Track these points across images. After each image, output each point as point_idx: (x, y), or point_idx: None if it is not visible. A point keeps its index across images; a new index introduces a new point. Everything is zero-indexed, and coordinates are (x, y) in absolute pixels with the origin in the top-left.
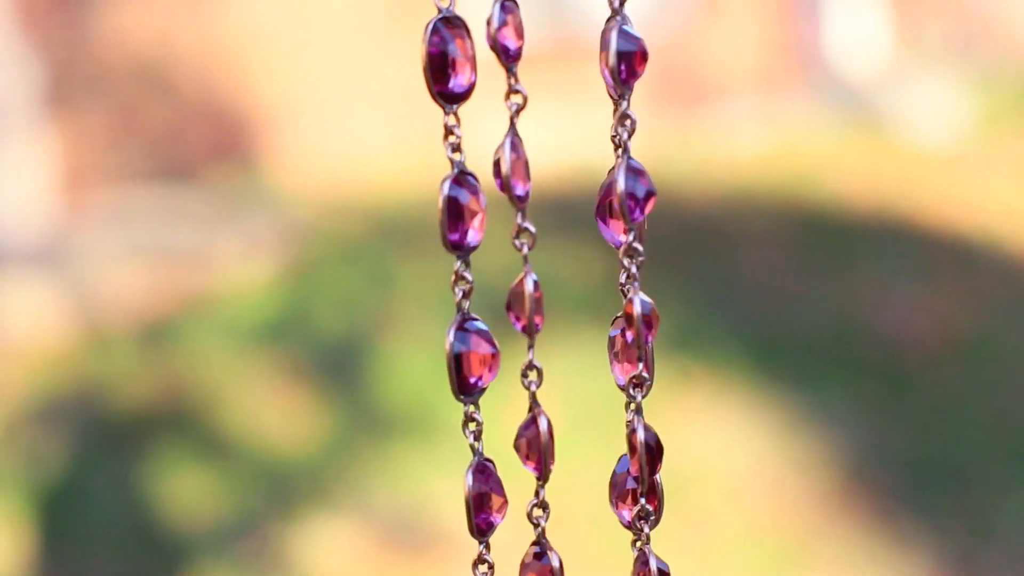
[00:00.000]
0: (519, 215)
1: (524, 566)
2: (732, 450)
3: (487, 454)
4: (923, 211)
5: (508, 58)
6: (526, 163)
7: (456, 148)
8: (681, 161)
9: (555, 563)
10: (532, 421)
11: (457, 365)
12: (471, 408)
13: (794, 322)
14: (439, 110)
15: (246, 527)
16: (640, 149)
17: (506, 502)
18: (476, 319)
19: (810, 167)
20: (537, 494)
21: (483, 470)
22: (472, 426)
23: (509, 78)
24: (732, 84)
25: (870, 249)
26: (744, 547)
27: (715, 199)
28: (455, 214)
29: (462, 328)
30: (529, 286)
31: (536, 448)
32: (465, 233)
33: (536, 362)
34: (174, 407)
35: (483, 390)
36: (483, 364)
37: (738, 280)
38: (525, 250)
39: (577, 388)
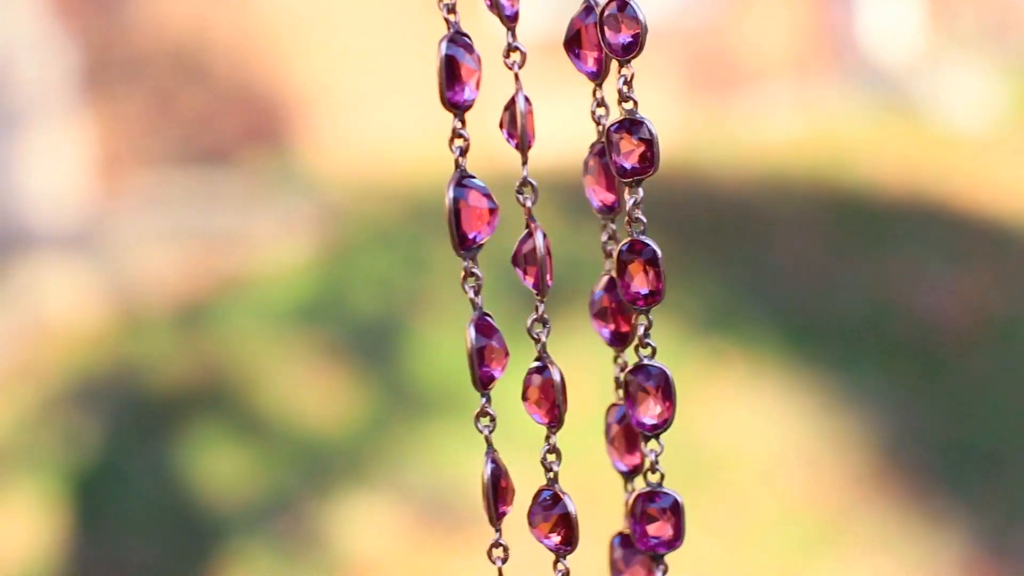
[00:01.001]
0: (523, 168)
1: (533, 509)
2: (766, 431)
3: (499, 446)
4: (956, 195)
5: (507, 20)
6: (531, 118)
7: (463, 152)
8: (715, 146)
9: (571, 509)
10: (540, 369)
11: (480, 359)
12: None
13: (828, 305)
14: None
15: (282, 506)
16: (674, 134)
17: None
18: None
19: (844, 152)
20: (548, 439)
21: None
22: (485, 420)
23: (508, 36)
24: (766, 70)
25: (904, 233)
26: (778, 527)
27: (749, 183)
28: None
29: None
30: (539, 241)
31: (548, 396)
32: (474, 234)
33: (545, 315)
34: (210, 388)
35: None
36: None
37: (773, 263)
38: (528, 203)
39: (596, 369)
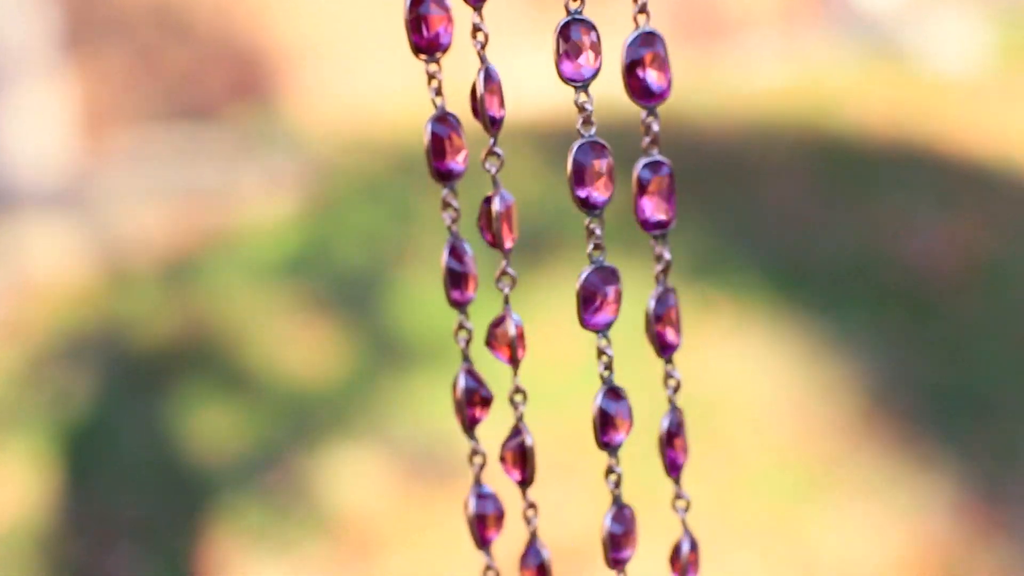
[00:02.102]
0: (492, 140)
1: (502, 448)
2: (755, 377)
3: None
4: (944, 140)
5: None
6: (500, 91)
7: (438, 92)
8: (702, 95)
9: (528, 442)
10: (503, 319)
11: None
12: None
13: (816, 250)
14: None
15: (270, 460)
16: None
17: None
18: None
19: (831, 99)
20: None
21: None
22: (463, 334)
23: (474, 17)
24: (753, 18)
25: (891, 178)
26: (768, 473)
27: (736, 131)
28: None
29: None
30: (496, 205)
31: (504, 340)
32: (449, 164)
33: (510, 270)
34: (197, 344)
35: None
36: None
37: (760, 210)
38: (493, 171)
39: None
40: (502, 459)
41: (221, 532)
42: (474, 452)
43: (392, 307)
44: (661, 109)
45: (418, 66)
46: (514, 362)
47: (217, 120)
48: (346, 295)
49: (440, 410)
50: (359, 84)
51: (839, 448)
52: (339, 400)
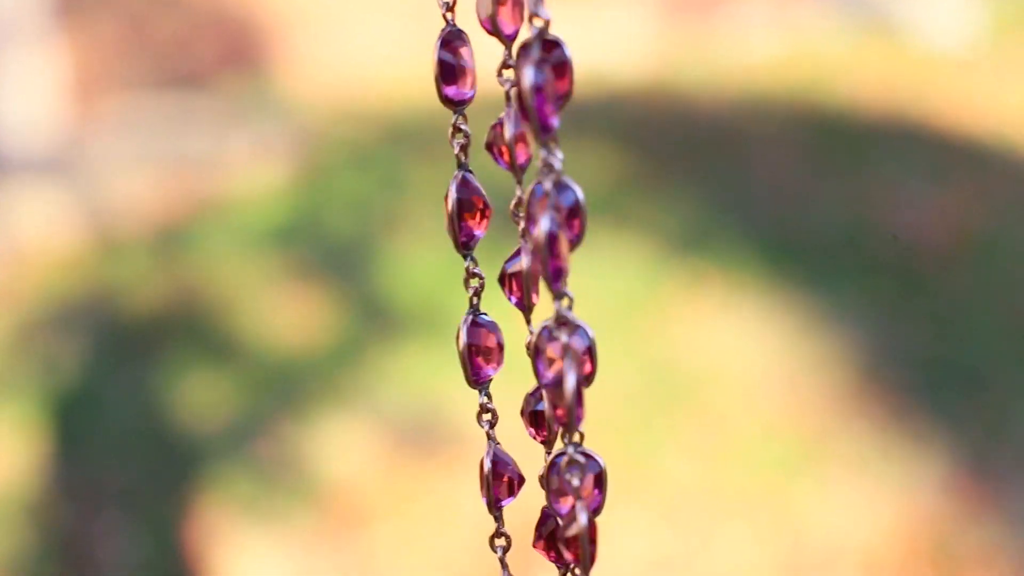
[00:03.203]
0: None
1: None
2: (746, 351)
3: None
4: (935, 114)
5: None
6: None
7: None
8: (694, 67)
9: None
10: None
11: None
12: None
13: (807, 224)
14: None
15: (260, 429)
16: (652, 55)
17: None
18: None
19: (823, 72)
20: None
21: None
22: (474, 282)
23: None
24: None
25: (883, 152)
26: (758, 447)
27: (728, 104)
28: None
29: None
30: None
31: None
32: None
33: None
34: (186, 312)
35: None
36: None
37: (751, 183)
38: (507, 87)
39: (591, 288)
40: (522, 413)
41: (209, 500)
42: (484, 409)
43: (382, 275)
44: (652, 81)
45: (409, 36)
46: (526, 308)
47: (207, 88)
48: (336, 263)
49: (430, 379)
50: (350, 52)
51: (829, 421)
52: (328, 369)
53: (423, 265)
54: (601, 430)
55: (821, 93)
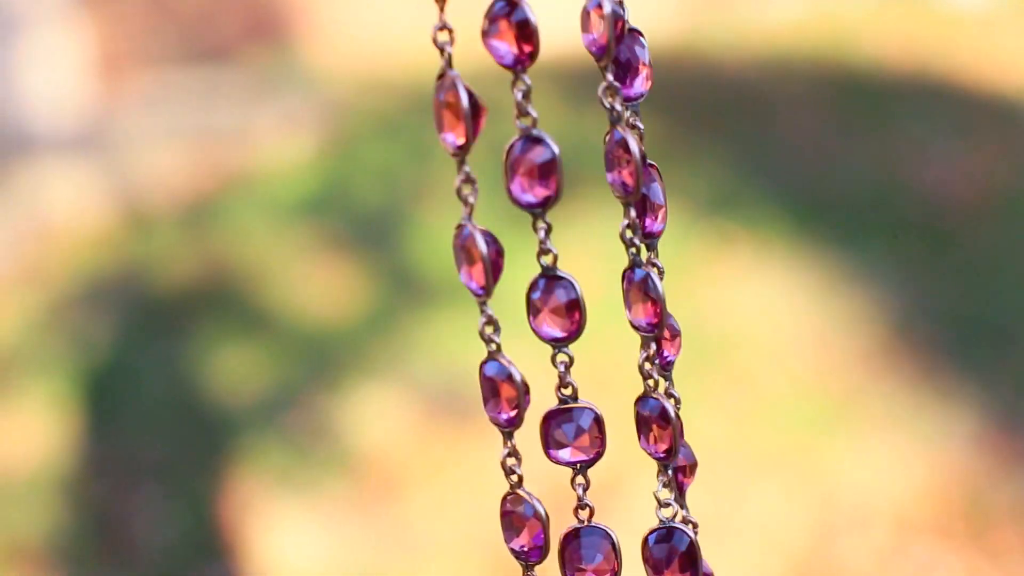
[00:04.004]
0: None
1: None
2: (774, 311)
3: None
4: (960, 71)
5: None
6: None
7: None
8: (718, 29)
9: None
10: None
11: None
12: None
13: (834, 183)
14: None
15: (291, 401)
16: (676, 18)
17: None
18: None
19: (847, 31)
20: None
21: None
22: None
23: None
24: None
25: (908, 110)
26: (789, 406)
27: (753, 65)
28: None
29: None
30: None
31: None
32: None
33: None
34: (217, 285)
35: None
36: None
37: (778, 144)
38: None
39: (620, 251)
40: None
41: (243, 472)
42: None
43: (411, 245)
44: (676, 45)
45: (433, 4)
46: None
47: (233, 62)
48: (364, 234)
49: (461, 347)
50: (374, 22)
51: (859, 380)
52: (359, 339)
53: (450, 233)
54: (632, 392)
55: (845, 53)
